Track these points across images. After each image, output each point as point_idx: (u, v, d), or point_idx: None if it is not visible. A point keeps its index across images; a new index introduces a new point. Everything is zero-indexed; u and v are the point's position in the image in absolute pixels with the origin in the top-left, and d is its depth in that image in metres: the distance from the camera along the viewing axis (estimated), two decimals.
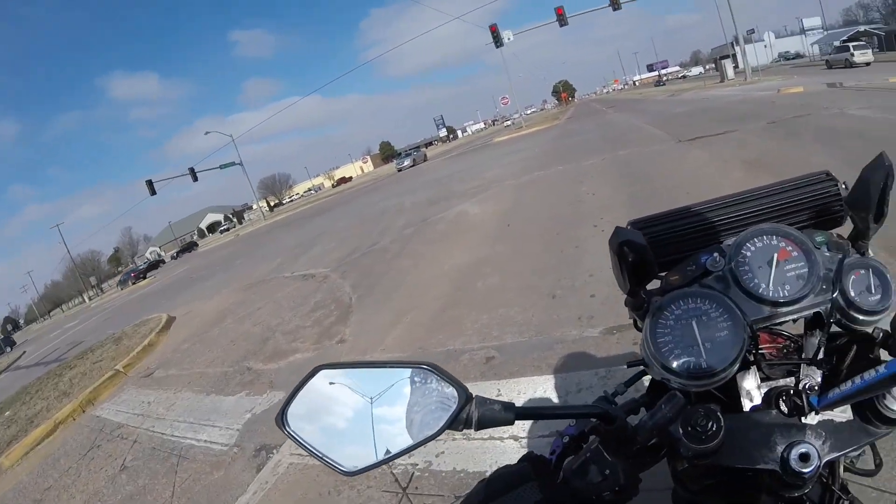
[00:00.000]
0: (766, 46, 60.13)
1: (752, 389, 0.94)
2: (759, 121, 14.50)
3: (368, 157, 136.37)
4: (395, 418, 0.75)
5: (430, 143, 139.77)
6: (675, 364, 0.88)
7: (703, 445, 0.78)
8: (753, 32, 56.78)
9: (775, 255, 0.96)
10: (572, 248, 6.73)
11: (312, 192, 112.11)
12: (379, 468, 0.76)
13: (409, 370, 0.76)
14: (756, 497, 0.87)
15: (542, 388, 3.89)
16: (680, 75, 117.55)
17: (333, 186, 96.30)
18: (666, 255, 1.11)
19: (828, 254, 0.96)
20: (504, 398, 3.76)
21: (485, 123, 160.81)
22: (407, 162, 54.27)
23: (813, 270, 0.93)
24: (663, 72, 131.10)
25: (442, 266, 8.00)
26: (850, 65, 37.72)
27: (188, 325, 10.25)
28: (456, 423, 0.74)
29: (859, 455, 1.09)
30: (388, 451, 0.75)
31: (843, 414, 0.84)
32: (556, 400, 3.72)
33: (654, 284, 1.04)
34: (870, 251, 1.02)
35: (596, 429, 0.89)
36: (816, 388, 0.88)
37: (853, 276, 0.91)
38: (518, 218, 9.76)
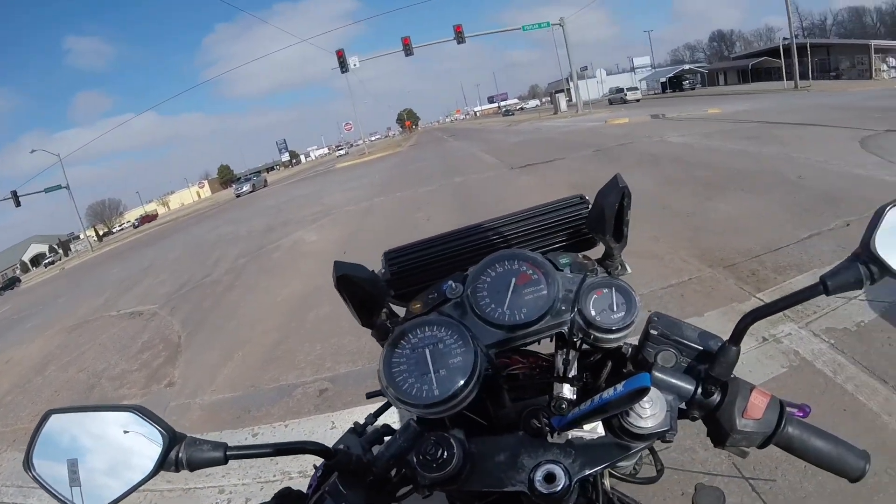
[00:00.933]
0: (598, 82, 64.59)
1: (503, 411, 0.95)
2: (586, 149, 15.72)
3: (206, 182, 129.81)
4: (115, 462, 0.74)
5: (272, 168, 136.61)
6: (408, 393, 0.85)
7: (436, 473, 0.78)
8: (587, 69, 61.10)
9: (514, 280, 0.96)
10: None
11: (137, 223, 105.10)
12: None
13: (123, 413, 0.74)
14: None
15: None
16: (518, 107, 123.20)
17: (134, 227, 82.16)
18: (419, 282, 1.12)
19: (570, 275, 0.97)
20: (339, 430, 3.75)
21: (329, 149, 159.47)
22: (246, 187, 52.32)
23: (551, 292, 0.93)
24: (503, 103, 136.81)
25: (275, 297, 7.81)
26: (624, 101, 48.41)
27: (9, 374, 9.22)
28: (166, 464, 0.73)
29: (635, 464, 1.13)
30: (112, 495, 0.73)
31: (593, 431, 0.83)
32: (394, 426, 3.71)
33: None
34: (628, 267, 1.06)
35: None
36: (566, 405, 0.88)
37: (594, 296, 0.91)
38: (355, 244, 9.70)
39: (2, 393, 8.05)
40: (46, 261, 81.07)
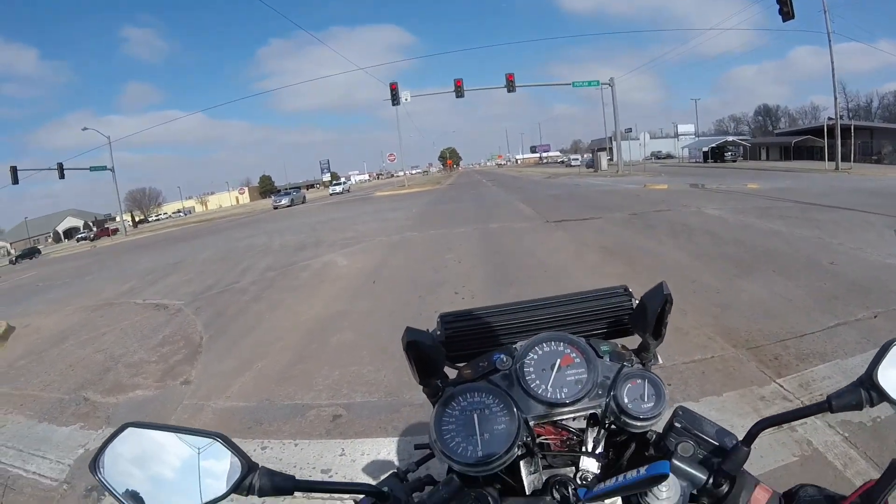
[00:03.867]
0: (640, 145, 64.87)
1: (534, 476, 1.01)
2: (622, 211, 15.69)
3: (246, 189, 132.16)
4: (187, 481, 0.81)
5: (312, 185, 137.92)
6: (454, 451, 0.95)
7: None
8: (630, 131, 61.59)
9: (559, 361, 1.07)
10: (431, 312, 6.83)
11: (181, 214, 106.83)
12: None
13: (203, 439, 0.82)
14: None
15: (386, 450, 3.89)
16: (559, 160, 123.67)
17: (89, 240, 62.00)
18: (469, 348, 1.21)
19: (609, 363, 1.07)
20: (347, 458, 3.80)
21: (370, 176, 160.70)
22: (284, 201, 53.11)
23: (591, 377, 1.03)
24: (545, 154, 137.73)
25: (299, 316, 7.87)
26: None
27: (27, 339, 9.29)
28: (240, 489, 0.80)
29: None
30: None
31: None
32: (396, 463, 3.71)
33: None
34: (659, 359, 1.17)
35: None
36: (590, 478, 0.98)
37: (629, 385, 1.02)
38: (384, 276, 9.84)
39: (16, 356, 8.13)
40: (79, 236, 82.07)
